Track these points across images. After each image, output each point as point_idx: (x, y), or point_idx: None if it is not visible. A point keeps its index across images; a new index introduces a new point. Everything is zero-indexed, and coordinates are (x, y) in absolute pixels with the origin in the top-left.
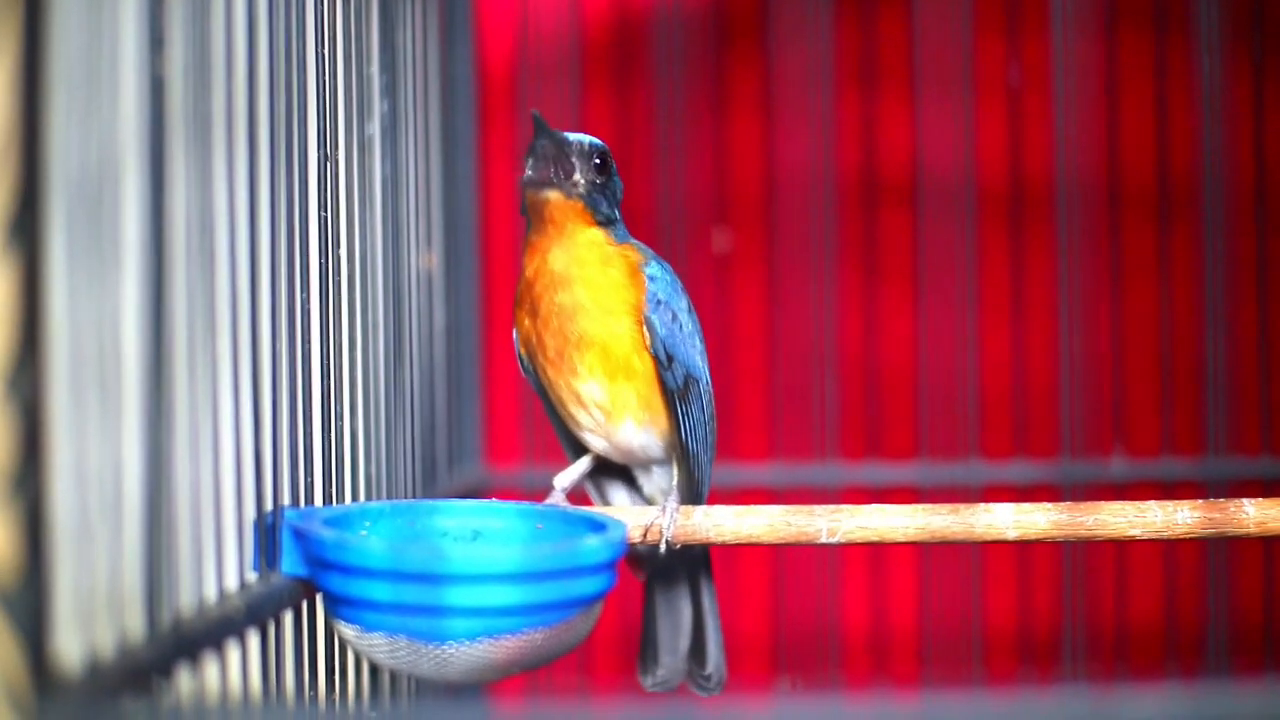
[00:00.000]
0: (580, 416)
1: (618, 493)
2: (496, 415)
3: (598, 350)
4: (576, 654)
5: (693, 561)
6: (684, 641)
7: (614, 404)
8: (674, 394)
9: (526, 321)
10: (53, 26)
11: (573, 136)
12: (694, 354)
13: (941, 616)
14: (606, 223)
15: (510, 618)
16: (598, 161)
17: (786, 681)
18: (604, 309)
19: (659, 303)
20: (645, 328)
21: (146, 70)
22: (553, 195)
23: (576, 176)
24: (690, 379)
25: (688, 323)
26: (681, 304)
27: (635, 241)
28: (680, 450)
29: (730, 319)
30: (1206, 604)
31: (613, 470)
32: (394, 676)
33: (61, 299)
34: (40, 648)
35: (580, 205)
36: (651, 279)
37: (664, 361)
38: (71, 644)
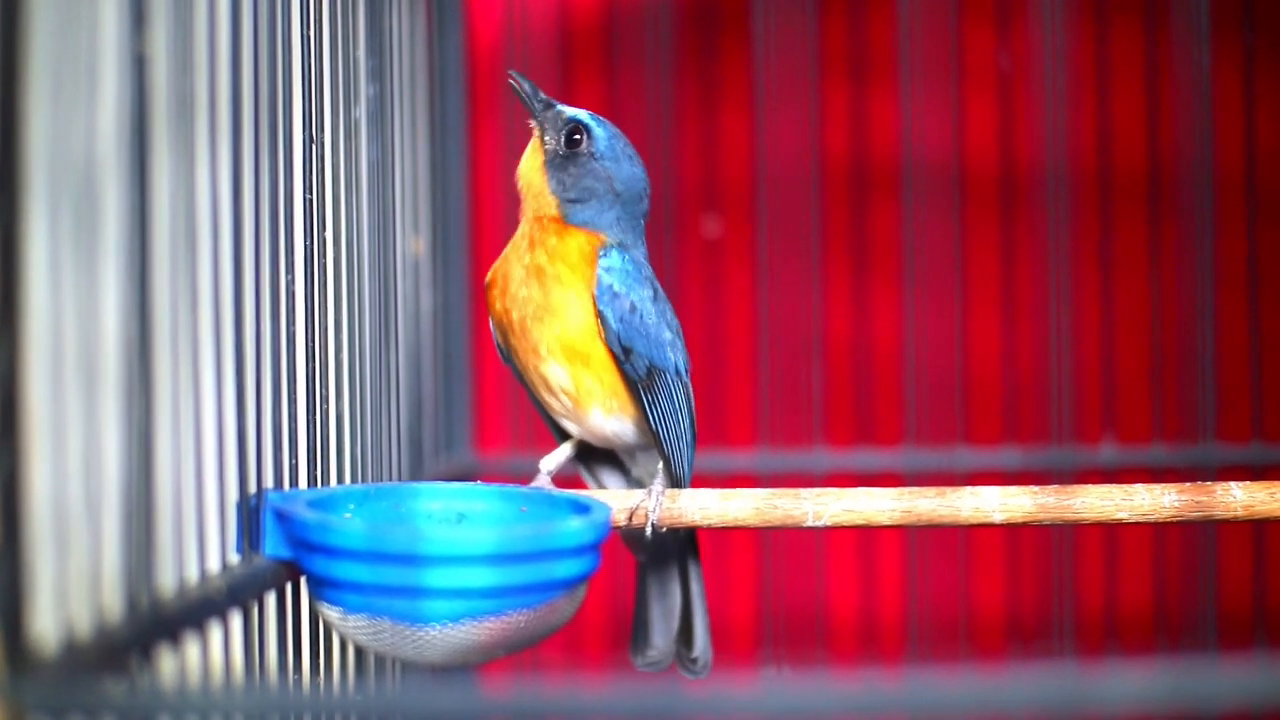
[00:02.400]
0: (551, 402)
1: (610, 476)
2: (486, 401)
3: (556, 340)
4: (565, 633)
5: (679, 544)
6: (674, 624)
7: (579, 391)
8: (638, 384)
9: (498, 305)
10: (32, 3)
11: (559, 106)
12: (659, 345)
13: (929, 601)
14: (571, 201)
15: (490, 599)
16: (567, 133)
17: (772, 670)
18: (559, 298)
19: (614, 295)
20: (599, 320)
21: (129, 49)
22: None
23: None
24: (655, 370)
25: (651, 313)
26: (644, 293)
27: (606, 222)
28: (655, 439)
29: (718, 306)
30: (1196, 589)
31: (602, 454)
32: (378, 659)
33: (42, 276)
34: (16, 626)
35: (543, 168)
36: (607, 270)
37: (620, 355)
38: (48, 622)
